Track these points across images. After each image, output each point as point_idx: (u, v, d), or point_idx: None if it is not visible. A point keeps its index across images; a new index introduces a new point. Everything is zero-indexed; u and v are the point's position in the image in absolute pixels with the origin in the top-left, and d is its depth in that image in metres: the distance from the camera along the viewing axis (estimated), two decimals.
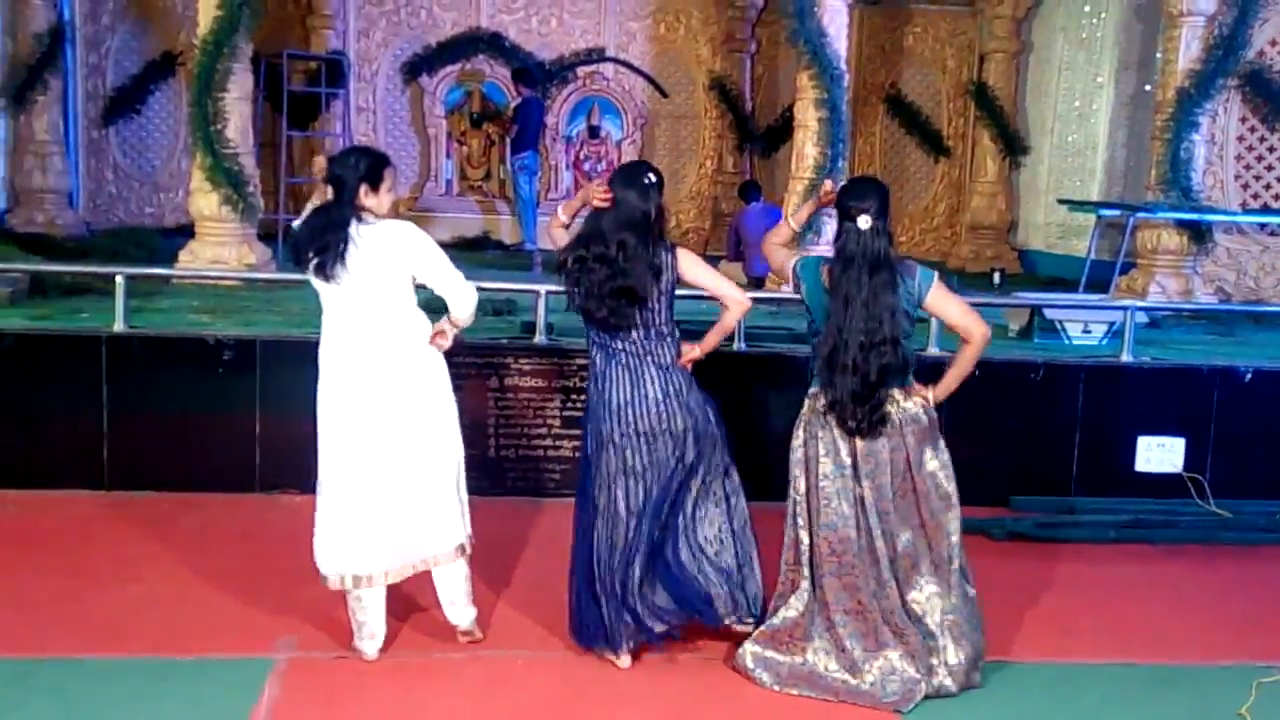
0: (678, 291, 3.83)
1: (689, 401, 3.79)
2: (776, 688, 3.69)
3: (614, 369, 3.76)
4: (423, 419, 3.75)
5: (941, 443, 3.76)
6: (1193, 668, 4.05)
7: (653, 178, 3.74)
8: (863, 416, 3.60)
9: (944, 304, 3.74)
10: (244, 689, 3.56)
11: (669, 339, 3.80)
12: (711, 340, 3.87)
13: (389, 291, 3.68)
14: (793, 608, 3.76)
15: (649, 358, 3.76)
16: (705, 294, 3.96)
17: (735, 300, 3.84)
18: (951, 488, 3.74)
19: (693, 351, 3.85)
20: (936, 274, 3.73)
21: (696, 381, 3.87)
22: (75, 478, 5.46)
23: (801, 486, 3.74)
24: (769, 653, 3.74)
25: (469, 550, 3.89)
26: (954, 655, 3.70)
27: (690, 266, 3.79)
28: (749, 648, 3.77)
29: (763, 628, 3.79)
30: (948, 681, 3.68)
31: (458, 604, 3.90)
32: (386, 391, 3.70)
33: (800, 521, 3.75)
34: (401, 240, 3.69)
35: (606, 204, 3.72)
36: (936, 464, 3.72)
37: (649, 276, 3.68)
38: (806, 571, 3.74)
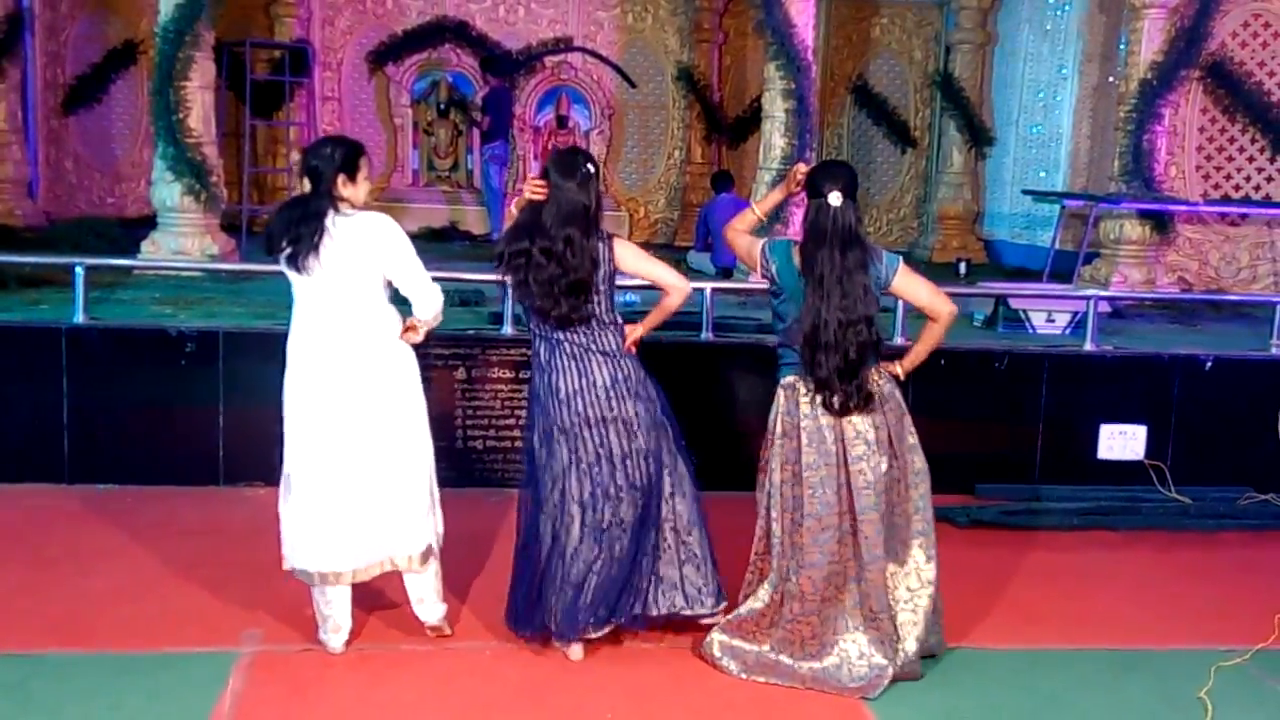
0: (636, 281, 3.84)
1: (638, 389, 3.77)
2: (744, 676, 3.71)
3: (559, 359, 3.74)
4: (390, 416, 3.71)
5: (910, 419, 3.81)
6: (1153, 652, 4.11)
7: (590, 168, 3.71)
8: (850, 393, 3.61)
9: (911, 285, 3.77)
10: (208, 683, 3.53)
11: (611, 327, 3.78)
12: (652, 320, 3.87)
13: (362, 284, 3.64)
14: (759, 599, 3.77)
15: (594, 346, 3.74)
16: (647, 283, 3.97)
17: (675, 286, 3.83)
18: (924, 463, 3.78)
19: (636, 332, 3.83)
20: (901, 258, 3.77)
21: (647, 369, 3.86)
22: (35, 471, 5.39)
23: (776, 479, 3.73)
24: (736, 641, 3.76)
25: (436, 552, 3.87)
26: (913, 640, 3.73)
27: (628, 256, 3.77)
28: (716, 636, 3.79)
29: (730, 617, 3.81)
30: (913, 656, 3.72)
31: (427, 601, 3.89)
32: (354, 386, 3.66)
33: (774, 514, 3.75)
34: (376, 234, 3.64)
35: (542, 196, 3.69)
36: (913, 439, 3.76)
37: (591, 269, 3.67)
38: (774, 562, 3.75)
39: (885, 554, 3.70)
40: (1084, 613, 4.46)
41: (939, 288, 3.84)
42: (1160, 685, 3.83)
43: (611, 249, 3.73)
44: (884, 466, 3.68)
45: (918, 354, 3.84)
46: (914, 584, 3.75)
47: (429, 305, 3.76)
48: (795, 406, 3.69)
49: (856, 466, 3.65)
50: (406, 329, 3.77)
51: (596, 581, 3.72)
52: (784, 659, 3.70)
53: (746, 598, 3.82)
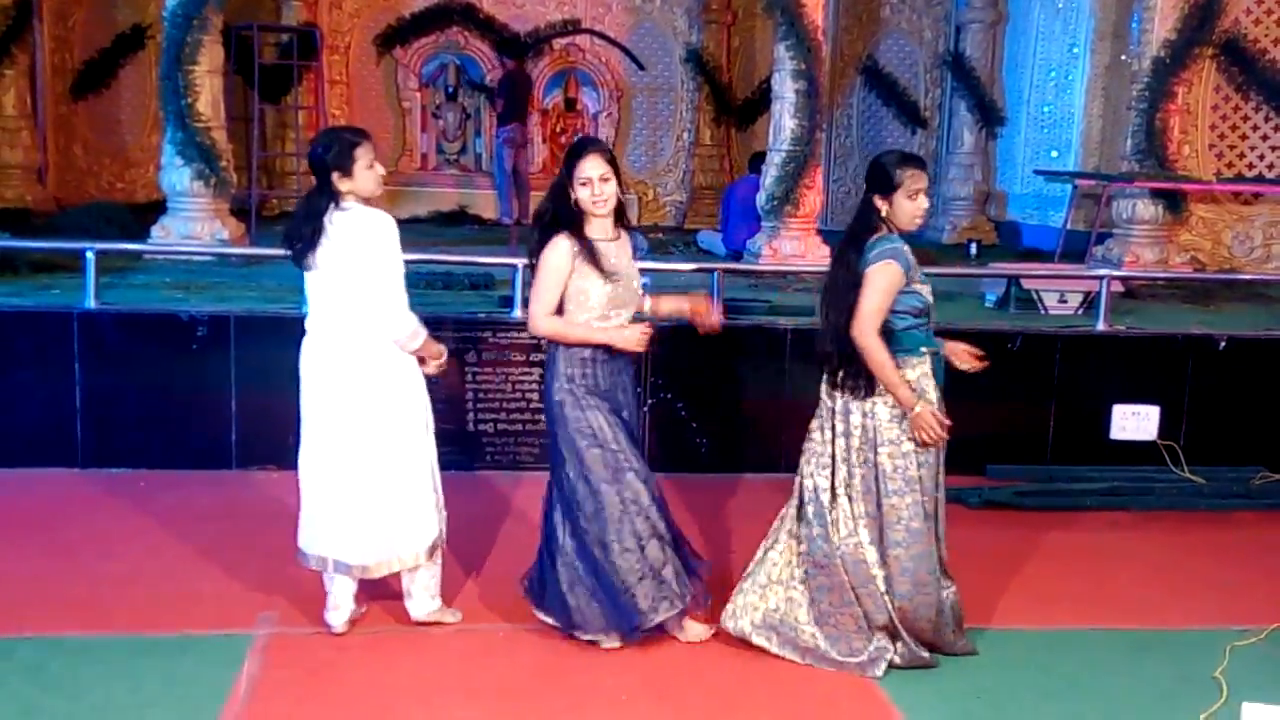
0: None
1: (547, 389, 3.76)
2: (749, 633, 3.73)
3: None
4: (390, 414, 3.67)
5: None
6: (1168, 632, 4.10)
7: (561, 171, 3.63)
8: (837, 368, 3.65)
9: (863, 288, 3.57)
10: (224, 665, 3.54)
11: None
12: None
13: (354, 282, 3.58)
14: (763, 548, 3.83)
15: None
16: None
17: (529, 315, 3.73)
18: (919, 473, 3.64)
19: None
20: (888, 261, 3.53)
21: (554, 371, 3.70)
22: (49, 456, 5.41)
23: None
24: (747, 599, 3.79)
25: (439, 550, 3.83)
26: (911, 637, 3.71)
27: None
28: (732, 603, 3.82)
29: (745, 574, 3.86)
30: (921, 652, 3.72)
31: (417, 597, 3.84)
32: (353, 382, 3.64)
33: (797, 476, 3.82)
34: (361, 234, 3.56)
35: None
36: (911, 445, 3.63)
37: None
38: (788, 524, 3.79)
39: (865, 538, 3.65)
40: (1098, 593, 4.45)
41: (872, 314, 3.54)
42: (1176, 665, 3.82)
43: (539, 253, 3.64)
44: (855, 456, 3.65)
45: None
46: (906, 589, 3.68)
47: (388, 325, 3.60)
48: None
49: (840, 443, 3.68)
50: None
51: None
52: (790, 619, 3.70)
53: (760, 554, 3.85)
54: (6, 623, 3.79)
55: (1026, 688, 3.65)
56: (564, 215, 3.60)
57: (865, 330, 3.56)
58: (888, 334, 3.60)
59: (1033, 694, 3.61)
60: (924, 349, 3.68)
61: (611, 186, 3.59)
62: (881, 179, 3.62)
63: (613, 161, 3.63)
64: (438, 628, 3.87)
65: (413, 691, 3.48)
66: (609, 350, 3.66)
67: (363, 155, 3.60)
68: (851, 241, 3.65)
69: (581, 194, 3.57)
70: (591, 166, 3.56)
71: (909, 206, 3.61)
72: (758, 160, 9.19)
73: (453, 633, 3.86)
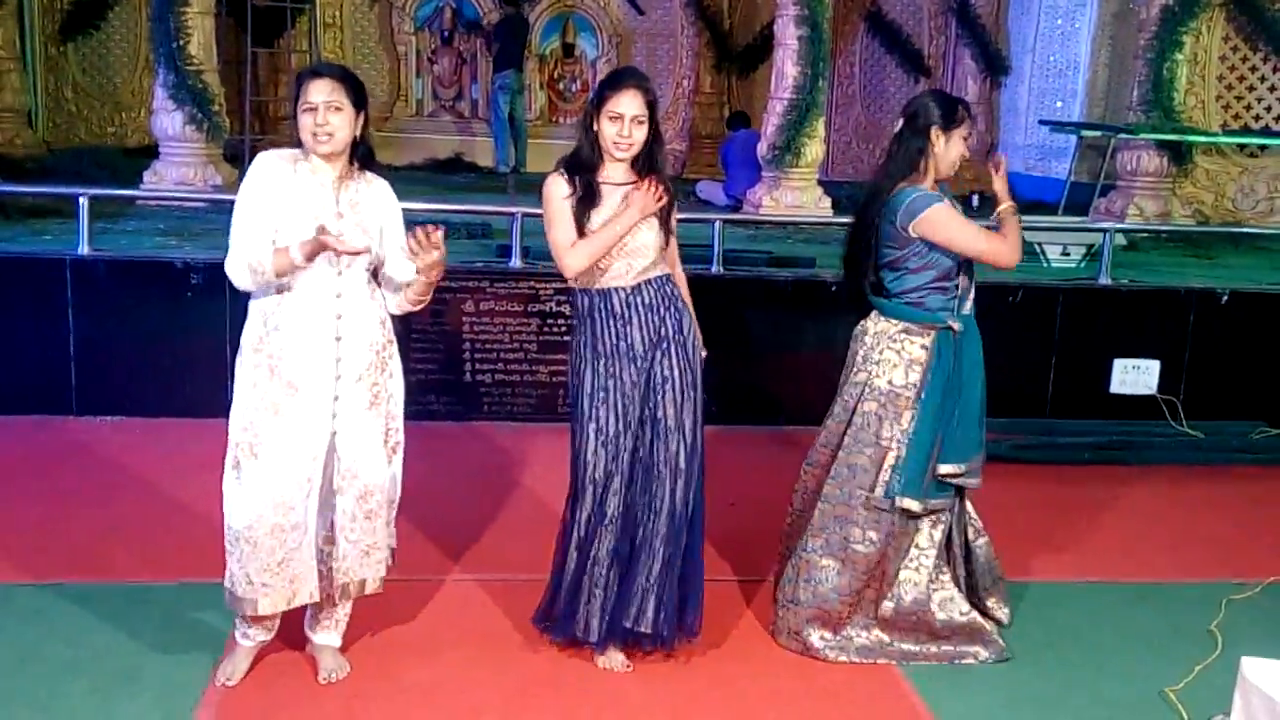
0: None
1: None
2: None
3: None
4: None
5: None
6: (1165, 585, 4.11)
7: (590, 100, 3.25)
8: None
9: (940, 237, 3.29)
10: (221, 612, 3.52)
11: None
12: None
13: None
14: None
15: None
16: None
17: None
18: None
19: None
20: (933, 207, 3.23)
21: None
22: (43, 403, 5.37)
23: None
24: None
25: None
26: None
27: None
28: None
29: None
30: None
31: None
32: None
33: None
34: None
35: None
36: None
37: None
38: None
39: None
40: (1096, 546, 4.46)
41: (972, 239, 3.34)
42: (1173, 617, 3.83)
43: None
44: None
45: None
46: None
47: None
48: None
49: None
50: None
51: None
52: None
53: None
54: (4, 569, 3.78)
55: (1024, 639, 3.65)
56: (581, 156, 3.19)
57: (985, 251, 3.26)
58: (905, 294, 3.32)
59: (1030, 646, 3.61)
60: (930, 322, 3.32)
61: (642, 132, 3.13)
62: (946, 111, 3.25)
63: (653, 104, 3.16)
64: (439, 575, 3.87)
65: (414, 640, 3.48)
66: (610, 310, 3.23)
67: (304, 92, 3.00)
68: (884, 186, 3.28)
69: (607, 129, 3.11)
70: (627, 103, 3.09)
71: (958, 150, 3.28)
72: (737, 119, 9.25)
73: (452, 582, 3.86)
